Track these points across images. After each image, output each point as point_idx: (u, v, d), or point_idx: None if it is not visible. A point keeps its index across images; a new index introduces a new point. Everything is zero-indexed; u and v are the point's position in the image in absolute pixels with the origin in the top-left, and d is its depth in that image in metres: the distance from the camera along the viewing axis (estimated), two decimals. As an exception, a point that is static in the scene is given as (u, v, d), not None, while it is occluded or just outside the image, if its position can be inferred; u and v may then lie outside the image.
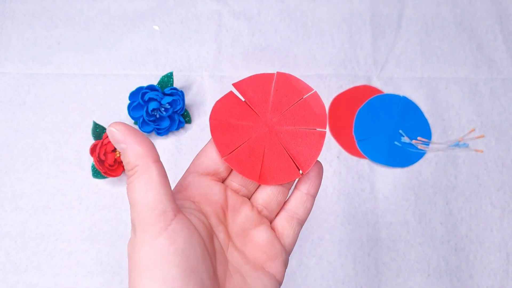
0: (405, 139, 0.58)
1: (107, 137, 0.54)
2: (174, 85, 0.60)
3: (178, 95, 0.56)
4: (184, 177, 0.28)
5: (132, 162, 0.24)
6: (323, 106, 0.29)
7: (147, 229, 0.22)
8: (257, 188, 0.29)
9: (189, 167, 0.29)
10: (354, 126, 0.59)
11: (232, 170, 0.29)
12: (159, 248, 0.22)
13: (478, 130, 0.60)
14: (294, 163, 0.28)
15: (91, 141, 0.57)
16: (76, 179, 0.56)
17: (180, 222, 0.23)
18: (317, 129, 0.29)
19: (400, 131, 0.59)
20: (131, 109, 0.56)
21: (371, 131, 0.58)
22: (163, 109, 0.55)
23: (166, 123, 0.56)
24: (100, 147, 0.53)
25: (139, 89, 0.56)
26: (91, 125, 0.57)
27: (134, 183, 0.23)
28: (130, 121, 0.58)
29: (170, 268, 0.22)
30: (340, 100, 0.60)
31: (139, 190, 0.23)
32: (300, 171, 0.28)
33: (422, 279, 0.53)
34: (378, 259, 0.53)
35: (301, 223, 0.29)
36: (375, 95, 0.60)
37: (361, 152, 0.57)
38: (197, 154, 0.29)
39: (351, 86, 0.61)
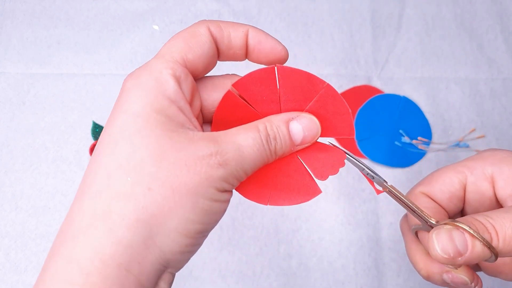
0: (406, 139, 0.58)
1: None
2: (174, 85, 0.60)
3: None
4: None
5: None
6: (342, 102, 0.25)
7: None
8: None
9: None
10: (355, 126, 0.59)
11: None
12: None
13: (479, 130, 0.60)
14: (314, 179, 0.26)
15: (90, 141, 0.57)
16: (75, 179, 0.56)
17: None
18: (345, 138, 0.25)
19: (401, 131, 0.59)
20: (131, 109, 0.56)
21: (372, 131, 0.58)
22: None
23: (166, 123, 0.56)
24: (100, 147, 0.53)
25: (139, 89, 0.56)
26: (90, 125, 0.57)
27: None
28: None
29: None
30: (340, 100, 0.60)
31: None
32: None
33: (422, 279, 0.52)
34: (378, 259, 0.53)
35: None
36: (375, 95, 0.60)
37: (361, 152, 0.57)
38: (204, 81, 0.27)
39: (352, 86, 0.61)
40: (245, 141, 0.23)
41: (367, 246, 0.53)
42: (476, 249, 0.23)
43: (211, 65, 0.25)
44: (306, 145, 0.26)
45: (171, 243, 0.22)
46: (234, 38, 0.25)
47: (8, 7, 0.65)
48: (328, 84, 0.25)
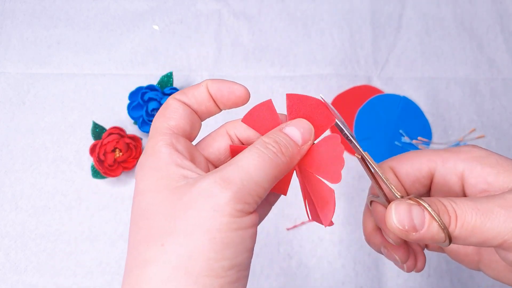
0: (406, 139, 0.58)
1: (107, 137, 0.54)
2: (174, 85, 0.60)
3: (178, 95, 0.56)
4: None
5: None
6: (339, 153, 0.25)
7: None
8: None
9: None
10: (355, 126, 0.59)
11: None
12: None
13: (479, 130, 0.60)
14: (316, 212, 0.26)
15: (90, 141, 0.57)
16: (75, 179, 0.56)
17: None
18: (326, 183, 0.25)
19: (401, 131, 0.59)
20: (131, 109, 0.56)
21: (372, 131, 0.58)
22: (163, 109, 0.55)
23: (166, 123, 0.56)
24: (100, 147, 0.53)
25: (139, 89, 0.56)
26: (90, 125, 0.57)
27: None
28: (130, 121, 0.58)
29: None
30: (341, 100, 0.60)
31: None
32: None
33: (422, 279, 0.52)
34: (378, 260, 0.53)
35: None
36: (375, 95, 0.60)
37: (361, 152, 0.57)
38: (204, 139, 0.28)
39: (352, 86, 0.61)
40: (242, 156, 0.23)
41: (367, 246, 0.53)
42: (431, 228, 0.24)
43: (196, 124, 0.27)
44: (309, 143, 0.26)
45: None
46: (198, 95, 0.27)
47: (8, 7, 0.65)
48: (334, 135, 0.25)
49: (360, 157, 0.27)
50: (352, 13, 0.65)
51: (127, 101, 0.57)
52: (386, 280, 0.52)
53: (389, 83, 0.62)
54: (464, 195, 0.29)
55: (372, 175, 0.27)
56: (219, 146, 0.27)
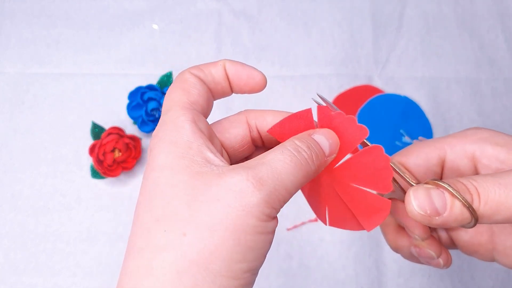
0: (406, 139, 0.58)
1: (106, 137, 0.53)
2: (174, 85, 0.59)
3: (178, 94, 0.56)
4: None
5: None
6: (386, 164, 0.24)
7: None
8: None
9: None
10: (355, 126, 0.58)
11: None
12: None
13: (480, 130, 0.59)
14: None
15: (90, 141, 0.57)
16: (75, 179, 0.56)
17: None
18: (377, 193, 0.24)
19: (401, 131, 0.59)
20: (131, 108, 0.56)
21: (372, 131, 0.58)
22: (162, 109, 0.55)
23: (165, 123, 0.56)
24: (99, 147, 0.53)
25: (139, 88, 0.56)
26: (90, 125, 0.57)
27: None
28: (129, 121, 0.58)
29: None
30: (341, 100, 0.60)
31: None
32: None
33: (423, 280, 0.52)
34: (378, 260, 0.53)
35: None
36: (376, 95, 0.60)
37: (361, 152, 0.57)
38: (220, 121, 0.27)
39: (352, 85, 0.61)
40: (275, 157, 0.22)
41: (368, 247, 0.53)
42: (455, 209, 0.23)
43: (210, 104, 0.26)
44: (334, 156, 0.25)
45: None
46: (215, 73, 0.26)
47: (7, 6, 0.65)
48: (378, 146, 0.24)
49: None
50: (353, 13, 0.65)
51: (127, 101, 0.57)
52: (386, 280, 0.52)
53: (389, 83, 0.61)
54: None
55: None
56: (237, 133, 0.26)
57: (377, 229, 0.54)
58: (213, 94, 0.26)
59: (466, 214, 0.23)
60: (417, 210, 0.23)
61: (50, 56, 0.62)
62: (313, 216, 0.54)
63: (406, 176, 0.26)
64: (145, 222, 0.22)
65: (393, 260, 0.53)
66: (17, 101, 0.60)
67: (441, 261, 0.29)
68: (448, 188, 0.23)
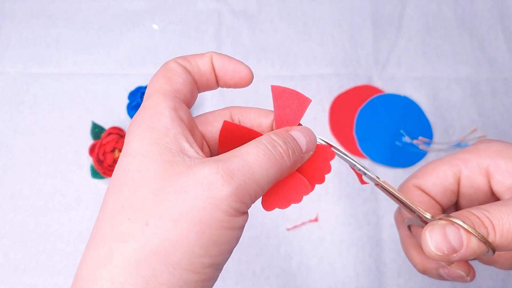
0: (406, 139, 0.58)
1: (106, 137, 0.53)
2: (174, 85, 0.59)
3: (178, 94, 0.56)
4: None
5: None
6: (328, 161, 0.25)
7: None
8: None
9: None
10: (355, 126, 0.58)
11: None
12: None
13: (480, 130, 0.59)
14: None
15: (90, 141, 0.57)
16: (75, 179, 0.56)
17: None
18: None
19: (401, 131, 0.58)
20: (131, 108, 0.56)
21: (372, 131, 0.58)
22: (162, 109, 0.55)
23: (165, 123, 0.56)
24: (99, 147, 0.53)
25: (139, 88, 0.56)
26: (89, 125, 0.57)
27: None
28: (129, 121, 0.58)
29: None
30: (341, 100, 0.60)
31: None
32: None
33: (423, 280, 0.52)
34: (379, 260, 0.53)
35: None
36: (376, 95, 0.60)
37: (362, 152, 0.57)
38: (203, 114, 0.27)
39: (352, 85, 0.61)
40: (248, 150, 0.22)
41: (368, 247, 0.53)
42: (471, 245, 0.23)
43: (194, 95, 0.26)
44: (311, 153, 0.25)
45: (177, 281, 0.20)
46: (202, 64, 0.25)
47: (7, 6, 0.65)
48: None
49: (380, 186, 0.26)
50: (353, 13, 0.65)
51: (127, 101, 0.57)
52: (386, 280, 0.52)
53: (390, 83, 0.61)
54: (492, 191, 0.28)
55: (398, 200, 0.26)
56: (219, 127, 0.26)
57: (377, 229, 0.54)
58: (198, 86, 0.26)
59: (483, 247, 0.23)
60: (435, 252, 0.23)
61: (50, 56, 0.62)
62: (313, 216, 0.54)
63: (419, 209, 0.26)
64: (111, 208, 0.21)
65: (393, 260, 0.53)
66: (17, 101, 0.59)
67: (468, 278, 0.29)
68: (463, 225, 0.23)
